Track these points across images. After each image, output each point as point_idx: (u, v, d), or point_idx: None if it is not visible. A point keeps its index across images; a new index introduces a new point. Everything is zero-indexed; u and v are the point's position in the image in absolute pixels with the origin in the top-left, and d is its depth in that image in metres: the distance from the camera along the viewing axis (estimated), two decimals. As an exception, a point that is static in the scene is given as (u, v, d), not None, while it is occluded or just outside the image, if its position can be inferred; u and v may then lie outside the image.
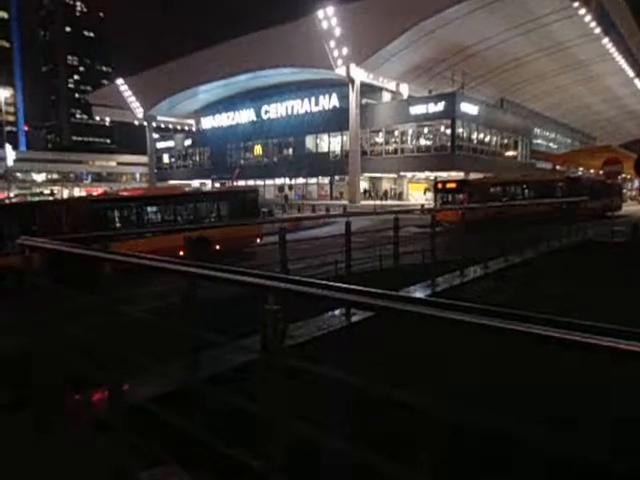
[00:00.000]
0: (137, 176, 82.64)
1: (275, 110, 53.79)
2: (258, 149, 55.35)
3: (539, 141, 61.26)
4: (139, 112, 63.22)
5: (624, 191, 44.10)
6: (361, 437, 1.99)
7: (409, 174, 45.03)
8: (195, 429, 2.34)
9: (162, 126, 66.90)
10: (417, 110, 41.25)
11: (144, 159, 72.06)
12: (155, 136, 67.33)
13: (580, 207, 21.23)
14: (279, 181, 52.83)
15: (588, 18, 38.11)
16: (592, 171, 47.38)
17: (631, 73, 51.16)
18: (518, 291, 6.33)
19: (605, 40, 42.32)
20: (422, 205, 23.10)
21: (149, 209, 14.27)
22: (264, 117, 55.18)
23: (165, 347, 3.73)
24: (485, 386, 3.75)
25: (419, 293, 5.93)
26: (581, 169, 52.61)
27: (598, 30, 40.04)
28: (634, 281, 7.06)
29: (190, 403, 3.25)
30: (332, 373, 1.99)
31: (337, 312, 5.37)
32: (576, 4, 36.17)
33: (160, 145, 68.24)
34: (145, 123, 64.74)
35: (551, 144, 66.90)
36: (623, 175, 32.33)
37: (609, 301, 6.05)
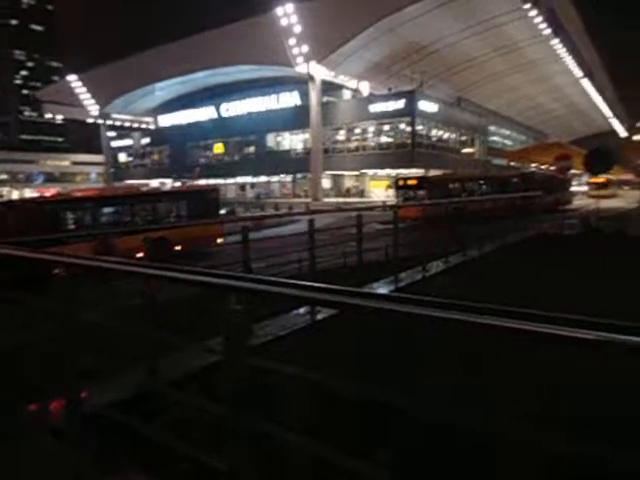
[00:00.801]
0: (93, 176, 79.83)
1: (236, 108, 53.14)
2: (219, 147, 54.53)
3: (495, 138, 63.16)
4: (93, 110, 61.06)
5: (581, 186, 46.20)
6: (326, 435, 1.99)
7: (371, 171, 45.51)
8: (158, 433, 2.27)
9: (118, 124, 64.84)
10: (378, 108, 41.72)
11: (100, 158, 69.70)
12: (111, 134, 65.24)
13: (534, 201, 22.05)
14: (241, 180, 52.26)
15: (538, 20, 39.58)
16: (543, 167, 49.25)
17: (579, 73, 53.47)
18: (477, 284, 6.50)
19: (555, 41, 44.06)
20: (384, 202, 23.41)
21: (105, 210, 13.83)
22: (224, 115, 54.43)
23: (125, 351, 3.61)
24: (451, 380, 3.82)
25: (383, 289, 5.99)
26: (534, 165, 54.61)
27: (548, 31, 41.63)
28: (585, 271, 7.40)
29: (153, 407, 3.16)
30: (297, 372, 1.98)
31: (302, 310, 5.36)
32: (526, 6, 37.50)
33: (116, 144, 66.17)
34: (100, 121, 62.61)
35: (506, 141, 69.11)
36: (573, 170, 33.76)
37: (564, 291, 6.30)
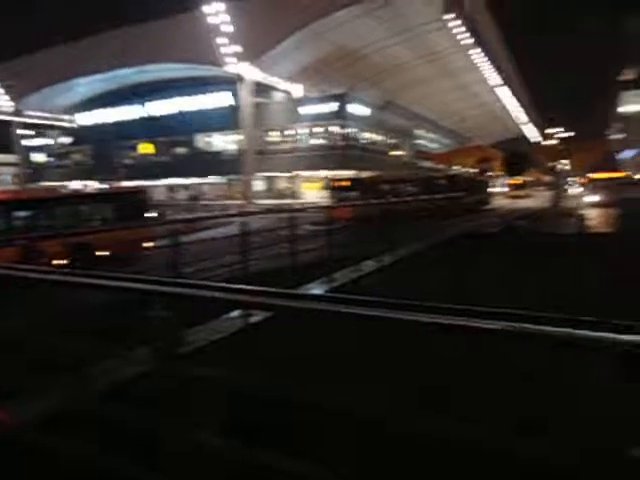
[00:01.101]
0: (7, 177, 73.69)
1: (165, 107, 51.27)
2: (147, 148, 52.38)
3: (422, 141, 65.79)
4: (4, 106, 56.40)
5: (499, 187, 49.18)
6: (262, 440, 1.97)
7: (304, 173, 45.80)
8: (84, 450, 2.15)
9: (33, 122, 60.26)
10: (310, 110, 42.11)
11: (13, 158, 64.47)
12: (26, 133, 60.56)
13: (459, 202, 23.21)
14: (172, 181, 50.54)
15: (460, 30, 41.82)
16: (464, 168, 52.01)
17: (497, 81, 57.06)
18: (407, 282, 6.75)
19: (475, 50, 46.74)
20: (317, 203, 23.67)
21: (17, 214, 12.83)
22: (153, 114, 52.38)
23: (44, 364, 3.37)
24: (387, 378, 3.91)
25: (317, 290, 6.05)
26: (458, 167, 57.53)
27: (469, 41, 44.09)
28: (504, 267, 7.91)
29: (78, 424, 2.97)
30: (228, 376, 1.95)
31: (236, 313, 5.27)
32: (447, 16, 39.50)
33: (32, 143, 61.55)
34: (12, 118, 57.91)
35: (432, 144, 72.22)
36: (492, 173, 35.97)
37: (486, 285, 6.68)
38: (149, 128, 50.93)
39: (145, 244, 13.44)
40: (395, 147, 51.04)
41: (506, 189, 47.20)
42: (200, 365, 1.97)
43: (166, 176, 50.05)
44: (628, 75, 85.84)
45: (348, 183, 24.80)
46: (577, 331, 1.16)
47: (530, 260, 9.07)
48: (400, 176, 30.46)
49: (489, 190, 36.78)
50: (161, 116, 51.30)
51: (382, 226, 10.82)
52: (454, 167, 57.12)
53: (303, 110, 42.47)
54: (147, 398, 2.08)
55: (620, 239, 13.59)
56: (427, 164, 59.77)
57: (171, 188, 50.93)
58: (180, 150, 50.83)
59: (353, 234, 11.22)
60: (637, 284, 6.74)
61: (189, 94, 48.90)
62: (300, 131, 43.62)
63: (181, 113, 49.57)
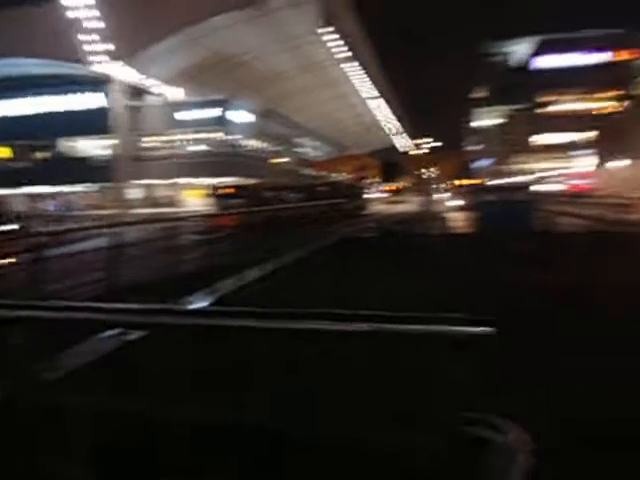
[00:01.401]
0: None
1: (25, 106, 45.92)
2: (2, 152, 46.41)
3: (304, 149, 67.47)
4: None
5: (376, 193, 52.06)
6: (140, 466, 1.87)
7: (185, 180, 44.24)
8: None
9: None
10: (190, 115, 40.85)
11: None
12: None
13: (339, 208, 24.13)
14: (33, 190, 45.36)
15: (337, 43, 43.83)
16: (342, 175, 54.52)
17: (370, 94, 60.76)
18: (290, 290, 6.85)
19: (350, 64, 49.30)
20: (200, 211, 22.98)
21: None
22: (10, 114, 46.57)
23: None
24: (279, 389, 3.89)
25: (197, 303, 5.88)
26: (338, 174, 60.02)
27: (346, 54, 46.37)
28: (383, 271, 8.42)
29: None
30: (99, 402, 1.82)
31: (111, 333, 4.90)
32: (323, 30, 41.21)
33: None
34: None
35: (314, 152, 74.45)
36: (369, 180, 38.08)
37: (367, 288, 7.02)
38: (6, 130, 45.18)
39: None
40: (278, 154, 51.67)
41: (382, 195, 50.40)
42: (64, 393, 1.82)
43: (28, 184, 44.80)
44: (479, 93, 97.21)
45: (232, 190, 24.50)
46: (430, 327, 1.31)
47: (405, 260, 9.77)
48: (283, 183, 30.89)
49: (367, 196, 38.89)
50: (20, 116, 45.86)
51: (266, 233, 10.87)
52: (334, 174, 59.46)
53: (183, 115, 41.06)
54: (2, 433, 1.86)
55: (479, 238, 15.28)
56: (309, 171, 61.43)
57: (33, 197, 45.72)
58: (43, 155, 45.89)
59: (238, 242, 11.11)
60: (492, 282, 7.61)
61: (54, 93, 44.43)
62: (180, 137, 42.07)
63: (45, 114, 44.81)
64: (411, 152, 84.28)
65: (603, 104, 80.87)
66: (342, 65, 49.47)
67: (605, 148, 44.47)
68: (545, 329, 4.93)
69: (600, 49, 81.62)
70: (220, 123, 40.37)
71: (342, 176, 57.38)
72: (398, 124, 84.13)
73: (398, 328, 1.30)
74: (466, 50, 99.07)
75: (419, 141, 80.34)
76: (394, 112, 78.20)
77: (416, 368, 1.32)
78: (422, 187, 59.47)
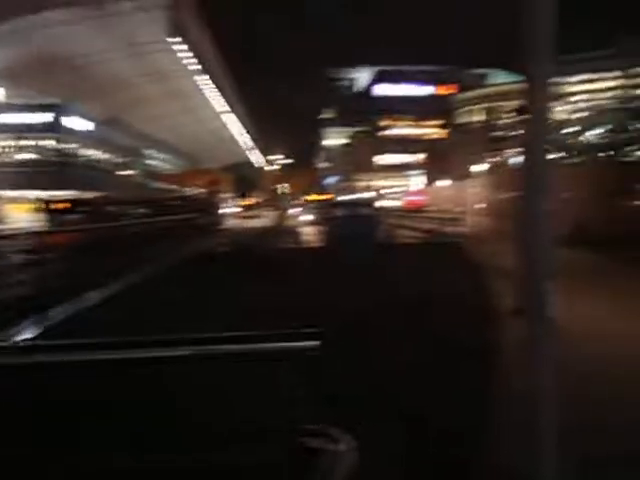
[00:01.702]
0: None
1: None
2: None
3: (154, 162, 64.09)
4: None
5: (231, 208, 51.50)
6: None
7: (10, 193, 38.59)
8: None
9: None
10: (13, 119, 35.86)
11: None
12: None
13: (193, 223, 23.40)
14: None
15: (187, 54, 42.70)
16: (196, 190, 53.18)
17: (223, 108, 60.39)
18: (136, 314, 6.38)
19: (201, 76, 48.41)
20: (28, 228, 20.18)
21: None
22: None
23: None
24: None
25: (25, 333, 5.14)
26: (191, 188, 58.26)
27: (196, 67, 45.39)
28: (235, 285, 8.35)
29: None
30: None
31: None
32: (173, 39, 39.89)
33: None
34: None
35: (165, 165, 71.14)
36: (223, 194, 37.69)
37: (219, 307, 6.87)
38: None
39: None
40: (124, 166, 48.18)
41: (237, 210, 50.21)
42: None
43: None
44: (328, 114, 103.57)
45: (68, 205, 22.07)
46: (259, 345, 1.34)
47: (258, 275, 9.84)
48: (131, 197, 28.86)
49: (222, 211, 38.37)
50: None
51: (109, 251, 10.02)
52: (187, 188, 57.55)
53: (7, 119, 35.91)
54: None
55: (329, 250, 16.15)
56: (160, 185, 58.47)
57: None
58: None
59: (74, 262, 10.02)
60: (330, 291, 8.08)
61: None
62: (2, 143, 36.71)
63: None
64: (266, 167, 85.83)
65: (430, 131, 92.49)
66: (195, 77, 48.31)
67: (433, 169, 50.68)
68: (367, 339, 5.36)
69: (428, 82, 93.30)
70: (52, 129, 36.21)
71: (195, 190, 55.79)
72: (253, 139, 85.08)
73: (226, 349, 1.31)
74: (317, 73, 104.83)
75: (273, 157, 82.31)
76: (248, 127, 78.91)
77: (248, 386, 1.34)
78: (276, 202, 60.73)
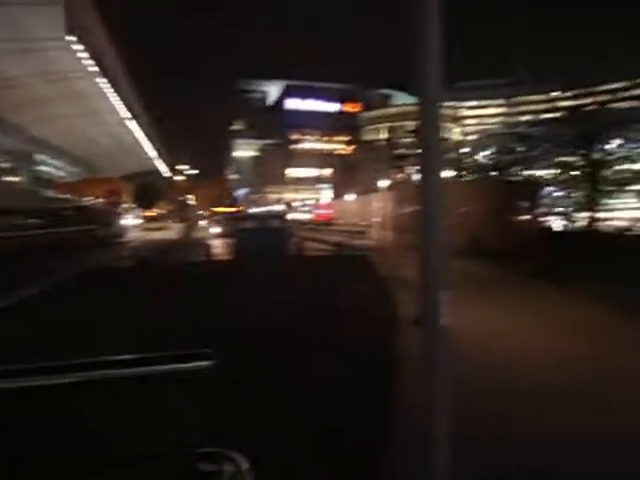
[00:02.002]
0: None
1: None
2: None
3: (46, 168, 58.99)
4: None
5: (134, 220, 48.71)
6: None
7: None
8: None
9: None
10: None
11: None
12: None
13: (91, 235, 21.85)
14: None
15: (85, 55, 39.97)
16: (95, 200, 49.85)
17: (125, 114, 57.36)
18: (16, 335, 5.74)
19: (102, 79, 45.59)
20: None
21: None
22: None
23: None
24: None
25: None
26: (88, 198, 54.36)
27: (95, 69, 42.65)
28: (135, 302, 7.86)
29: None
30: None
31: None
32: (70, 38, 37.18)
33: None
34: None
35: (59, 172, 65.77)
36: (125, 205, 35.67)
37: (118, 326, 6.42)
38: None
39: None
40: (10, 172, 43.74)
41: (140, 221, 47.70)
42: None
43: None
44: (238, 126, 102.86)
45: None
46: (151, 367, 1.26)
47: (160, 291, 9.37)
48: (16, 207, 26.14)
49: (123, 222, 36.28)
50: None
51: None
52: (86, 198, 53.59)
53: None
54: None
55: (237, 264, 15.88)
56: (53, 194, 53.81)
57: None
58: None
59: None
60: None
61: None
62: None
63: None
64: (173, 177, 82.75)
65: (338, 146, 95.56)
66: (98, 80, 45.32)
67: (341, 183, 52.22)
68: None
69: (335, 99, 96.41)
70: None
71: (94, 200, 52.14)
72: (160, 148, 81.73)
73: (115, 373, 1.23)
74: (228, 84, 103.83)
75: (181, 167, 79.63)
76: (155, 135, 75.72)
77: (140, 410, 1.25)
78: (183, 214, 58.73)
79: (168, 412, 1.23)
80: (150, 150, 78.31)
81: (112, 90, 49.50)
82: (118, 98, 52.13)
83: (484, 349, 5.74)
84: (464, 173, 61.26)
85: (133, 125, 62.96)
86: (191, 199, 76.78)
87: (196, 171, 76.33)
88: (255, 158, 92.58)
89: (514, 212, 20.22)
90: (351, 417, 3.71)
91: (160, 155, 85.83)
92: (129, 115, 58.78)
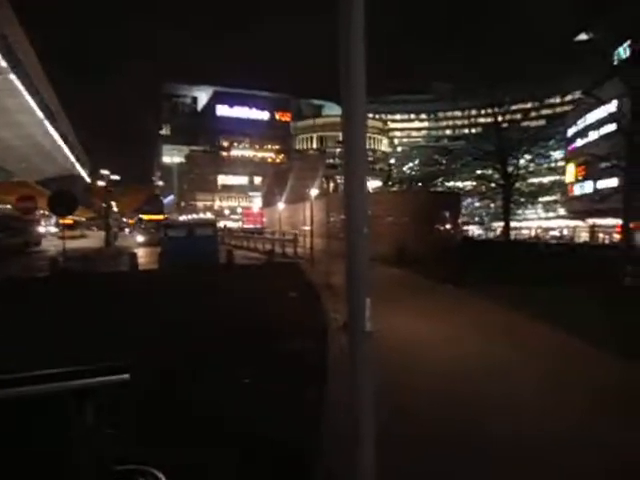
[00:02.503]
0: None
1: None
2: None
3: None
4: None
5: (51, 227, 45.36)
6: None
7: None
8: None
9: None
10: None
11: None
12: None
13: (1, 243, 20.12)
14: None
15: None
16: (5, 206, 45.97)
17: (40, 114, 53.56)
18: None
19: (12, 76, 42.30)
20: None
21: None
22: None
23: None
24: None
25: None
26: (-1, 204, 49.93)
27: (3, 64, 39.50)
28: (54, 317, 7.33)
29: None
30: None
31: None
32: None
33: None
34: None
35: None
36: (43, 212, 33.21)
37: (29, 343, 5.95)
38: None
39: None
40: None
41: (57, 229, 44.54)
42: None
43: None
44: (166, 131, 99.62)
45: None
46: (66, 382, 1.20)
47: (82, 303, 8.83)
48: None
49: (40, 230, 33.75)
50: None
51: None
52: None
53: None
54: None
55: (163, 274, 15.30)
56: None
57: None
58: None
59: None
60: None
61: None
62: None
63: None
64: (95, 182, 78.24)
65: (269, 154, 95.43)
66: (10, 76, 41.87)
67: (271, 191, 52.10)
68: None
69: (266, 108, 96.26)
70: None
71: (4, 206, 47.99)
72: (80, 151, 77.11)
73: (28, 390, 1.15)
74: (156, 87, 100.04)
75: (105, 171, 75.44)
76: (76, 138, 71.41)
77: (55, 427, 1.19)
78: (105, 221, 55.55)
79: (84, 427, 1.16)
80: (69, 153, 73.85)
81: (27, 90, 46.19)
82: (30, 98, 48.71)
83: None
84: (390, 183, 63.55)
85: (50, 127, 59.11)
86: (114, 206, 72.99)
87: (119, 177, 72.69)
88: (184, 164, 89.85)
89: (437, 221, 21.26)
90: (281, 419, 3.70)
91: (79, 159, 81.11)
92: (47, 115, 55.12)
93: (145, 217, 44.82)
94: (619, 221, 19.60)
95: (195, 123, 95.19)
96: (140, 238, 31.46)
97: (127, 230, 58.89)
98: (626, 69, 17.41)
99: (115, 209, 72.19)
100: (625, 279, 11.76)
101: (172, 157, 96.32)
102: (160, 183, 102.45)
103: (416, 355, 6.01)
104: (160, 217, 44.36)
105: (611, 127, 25.98)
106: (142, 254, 23.07)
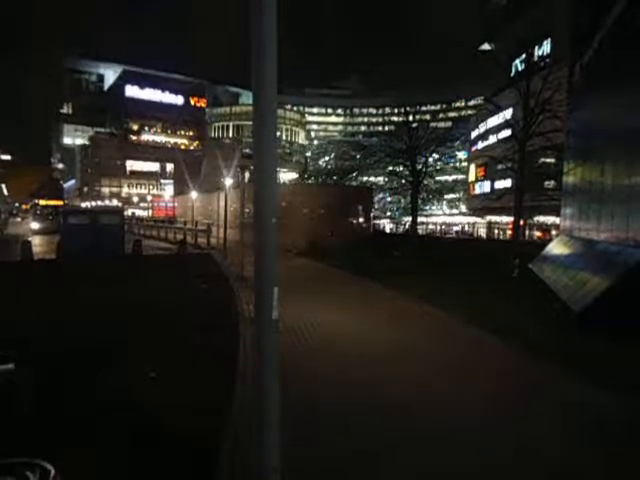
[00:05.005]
0: None
1: None
2: None
3: None
4: None
5: None
6: None
7: None
8: None
9: None
10: None
11: None
12: None
13: None
14: None
15: None
16: None
17: None
18: None
19: None
20: None
21: None
22: None
23: None
24: None
25: None
26: None
27: None
28: None
29: None
30: None
31: None
32: None
33: None
34: None
35: None
36: None
37: None
38: None
39: None
40: None
41: None
42: None
43: None
44: (67, 109, 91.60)
45: None
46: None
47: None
48: None
49: None
50: None
51: None
52: None
53: None
54: None
55: (61, 264, 14.19)
56: None
57: None
58: None
59: None
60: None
61: None
62: None
63: None
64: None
65: (183, 140, 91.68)
66: None
67: (183, 179, 50.21)
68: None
69: (180, 92, 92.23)
70: None
71: None
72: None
73: None
74: (56, 60, 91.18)
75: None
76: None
77: None
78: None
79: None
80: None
81: None
82: None
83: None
84: (307, 176, 64.11)
85: None
86: (3, 188, 66.14)
87: (9, 156, 65.77)
88: (88, 147, 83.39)
89: (350, 214, 21.89)
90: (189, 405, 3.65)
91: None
92: None
93: (42, 202, 41.15)
94: (512, 218, 21.50)
95: (101, 103, 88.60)
96: (35, 225, 28.84)
97: (19, 217, 53.50)
98: (520, 81, 19.01)
99: (5, 192, 65.40)
100: (515, 271, 13.00)
101: (74, 138, 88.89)
102: (60, 166, 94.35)
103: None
104: (59, 202, 40.98)
105: (507, 132, 28.30)
106: (38, 242, 21.22)
